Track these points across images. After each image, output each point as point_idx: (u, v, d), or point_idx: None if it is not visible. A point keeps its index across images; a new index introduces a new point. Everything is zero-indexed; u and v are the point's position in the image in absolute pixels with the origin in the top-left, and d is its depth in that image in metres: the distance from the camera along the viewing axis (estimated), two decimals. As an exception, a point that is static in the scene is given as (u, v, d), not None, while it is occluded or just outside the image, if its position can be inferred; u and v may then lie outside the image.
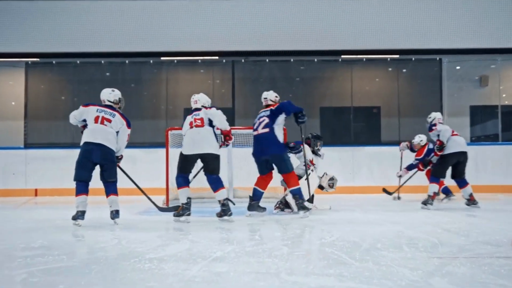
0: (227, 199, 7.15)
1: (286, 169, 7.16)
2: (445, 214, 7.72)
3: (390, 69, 13.15)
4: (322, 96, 13.11)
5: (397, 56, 12.79)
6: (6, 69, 12.72)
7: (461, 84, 12.97)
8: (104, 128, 6.49)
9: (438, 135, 8.46)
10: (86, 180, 6.39)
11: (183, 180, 6.92)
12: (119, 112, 6.74)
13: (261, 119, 7.30)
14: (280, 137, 7.23)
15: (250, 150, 7.64)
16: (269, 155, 7.18)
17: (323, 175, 8.40)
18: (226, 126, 6.80)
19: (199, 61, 13.01)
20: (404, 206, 8.99)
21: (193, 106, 7.18)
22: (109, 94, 6.83)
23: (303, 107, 7.62)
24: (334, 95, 13.07)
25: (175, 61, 12.93)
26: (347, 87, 13.03)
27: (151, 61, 12.93)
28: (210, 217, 7.39)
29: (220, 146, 6.95)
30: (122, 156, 6.83)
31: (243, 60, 12.91)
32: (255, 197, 7.46)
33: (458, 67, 13.03)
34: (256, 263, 3.96)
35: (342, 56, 12.78)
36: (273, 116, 7.22)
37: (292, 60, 12.88)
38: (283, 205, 7.95)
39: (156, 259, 4.18)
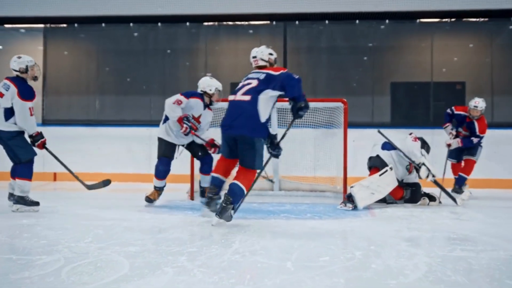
0: None
1: (249, 162, 5.05)
2: None
3: (480, 35, 10.64)
4: (394, 69, 10.85)
5: (489, 19, 10.46)
6: (21, 36, 11.06)
7: None
8: None
9: None
10: None
11: None
12: (14, 83, 5.77)
13: (247, 81, 5.22)
14: (263, 115, 5.03)
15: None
16: (238, 134, 5.07)
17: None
18: None
19: (245, 25, 10.92)
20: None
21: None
22: (13, 62, 5.92)
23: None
24: (408, 68, 10.80)
25: (216, 24, 10.89)
26: (425, 58, 10.67)
27: (188, 24, 10.94)
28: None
29: None
30: (38, 133, 5.93)
31: (297, 22, 10.72)
32: (215, 188, 5.29)
33: None
34: None
35: (420, 20, 10.38)
36: (265, 83, 5.06)
37: (357, 22, 10.58)
38: (347, 199, 6.41)
39: None
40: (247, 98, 5.02)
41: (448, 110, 7.99)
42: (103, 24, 10.87)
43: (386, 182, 6.52)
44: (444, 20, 10.51)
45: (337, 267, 3.36)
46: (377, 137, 7.04)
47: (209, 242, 4.09)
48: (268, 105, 5.01)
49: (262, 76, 5.11)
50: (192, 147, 6.68)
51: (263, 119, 4.98)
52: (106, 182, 6.70)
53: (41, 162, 9.82)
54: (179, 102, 6.34)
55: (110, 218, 5.26)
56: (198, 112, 6.47)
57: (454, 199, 6.71)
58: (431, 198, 6.76)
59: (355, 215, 5.71)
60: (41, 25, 10.91)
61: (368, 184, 6.46)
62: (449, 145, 7.71)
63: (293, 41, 10.91)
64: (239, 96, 5.11)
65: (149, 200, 6.44)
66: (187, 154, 6.98)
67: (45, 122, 10.62)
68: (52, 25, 10.92)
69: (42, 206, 5.88)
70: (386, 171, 6.58)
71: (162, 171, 6.46)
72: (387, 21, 10.56)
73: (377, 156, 6.81)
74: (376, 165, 6.79)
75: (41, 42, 10.94)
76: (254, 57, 5.51)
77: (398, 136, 6.93)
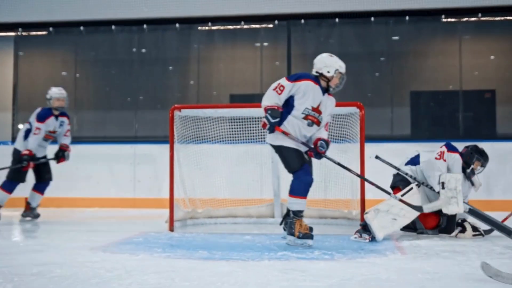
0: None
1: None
2: None
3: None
4: (414, 76, 9.48)
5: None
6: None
7: None
8: None
9: None
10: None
11: None
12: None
13: None
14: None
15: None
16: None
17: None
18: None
19: (243, 28, 9.63)
20: None
21: None
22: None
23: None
24: (431, 74, 9.44)
25: (210, 28, 9.61)
26: (451, 63, 9.29)
27: (178, 28, 9.65)
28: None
29: None
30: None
31: (302, 21, 9.38)
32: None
33: None
34: None
35: (445, 19, 8.99)
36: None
37: (373, 20, 9.22)
38: (363, 228, 5.13)
39: None
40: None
41: None
42: (82, 28, 9.60)
43: (413, 203, 5.10)
44: (473, 19, 9.13)
45: None
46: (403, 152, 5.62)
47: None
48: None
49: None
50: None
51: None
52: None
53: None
54: (280, 89, 4.66)
55: (42, 262, 3.84)
56: (315, 99, 4.75)
57: (509, 232, 5.06)
58: (474, 229, 5.27)
59: (378, 252, 4.25)
60: (12, 33, 9.66)
61: (388, 208, 5.09)
62: None
63: (299, 46, 9.59)
64: None
65: None
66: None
67: (14, 140, 9.31)
68: (24, 32, 9.66)
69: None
70: (411, 189, 5.15)
71: None
72: (407, 18, 9.18)
73: (397, 173, 5.40)
74: (396, 184, 5.39)
75: (11, 50, 9.67)
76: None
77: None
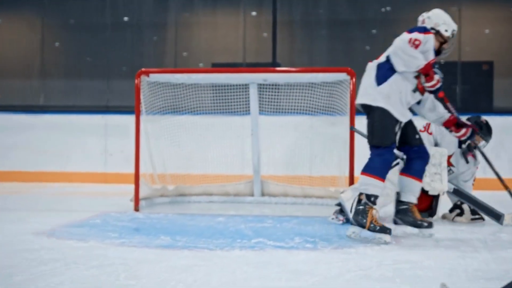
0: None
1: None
2: None
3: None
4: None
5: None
6: None
7: None
8: None
9: None
10: None
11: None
12: None
13: None
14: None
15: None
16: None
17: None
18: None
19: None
20: None
21: None
22: None
23: None
24: None
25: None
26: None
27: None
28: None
29: None
30: None
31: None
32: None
33: None
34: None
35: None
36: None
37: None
38: (340, 209, 4.50)
39: None
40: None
41: None
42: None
43: (396, 181, 4.52)
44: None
45: None
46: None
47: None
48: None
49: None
50: (406, 127, 4.01)
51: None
52: None
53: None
54: (416, 43, 3.68)
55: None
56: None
57: (497, 216, 4.49)
58: (473, 212, 4.65)
59: (369, 240, 3.65)
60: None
61: None
62: None
63: (285, 12, 8.86)
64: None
65: None
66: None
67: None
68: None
69: None
70: (397, 164, 4.55)
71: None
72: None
73: None
74: None
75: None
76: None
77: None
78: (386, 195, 4.40)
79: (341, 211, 4.41)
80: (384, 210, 4.29)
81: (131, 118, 6.18)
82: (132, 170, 5.33)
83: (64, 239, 3.57)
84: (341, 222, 4.38)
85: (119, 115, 8.11)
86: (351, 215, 3.77)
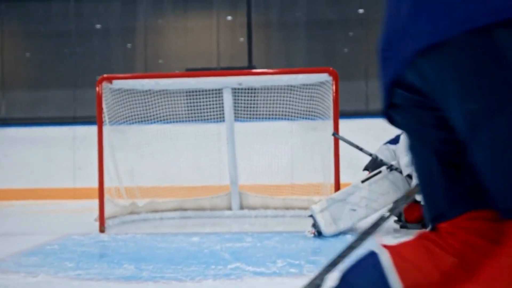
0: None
1: None
2: None
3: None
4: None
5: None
6: None
7: None
8: None
9: None
10: None
11: None
12: None
13: None
14: None
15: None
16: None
17: None
18: None
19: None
20: None
21: None
22: None
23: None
24: None
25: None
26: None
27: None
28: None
29: None
30: None
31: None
32: None
33: None
34: None
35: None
36: None
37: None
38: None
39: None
40: None
41: None
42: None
43: (380, 191, 4.17)
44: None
45: None
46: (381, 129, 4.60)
47: None
48: None
49: None
50: None
51: None
52: None
53: None
54: None
55: None
56: None
57: None
58: None
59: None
60: None
61: (345, 197, 4.16)
62: None
63: (260, 12, 8.47)
64: None
65: None
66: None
67: None
68: None
69: None
70: (380, 172, 4.17)
71: None
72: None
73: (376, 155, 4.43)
74: (367, 167, 4.44)
75: None
76: None
77: None
78: (365, 207, 4.07)
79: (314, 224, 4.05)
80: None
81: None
82: (109, 183, 4.91)
83: (10, 273, 3.08)
84: (312, 235, 4.05)
85: (87, 126, 7.58)
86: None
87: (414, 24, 0.99)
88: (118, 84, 4.88)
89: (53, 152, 7.67)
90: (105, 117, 4.80)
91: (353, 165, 5.51)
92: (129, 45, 8.70)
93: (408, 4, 1.00)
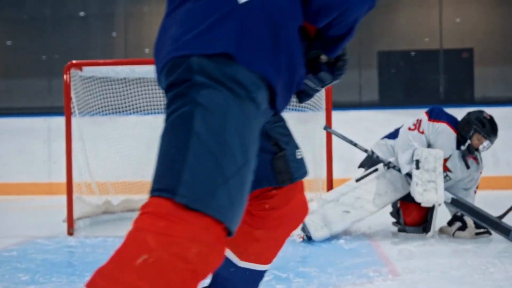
0: None
1: None
2: None
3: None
4: (381, 34, 8.16)
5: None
6: None
7: None
8: None
9: None
10: None
11: None
12: None
13: None
14: None
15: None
16: None
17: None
18: None
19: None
20: None
21: None
22: None
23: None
24: (406, 30, 8.22)
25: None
26: (426, 18, 8.09)
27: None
28: None
29: None
30: None
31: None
32: None
33: None
34: None
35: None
36: None
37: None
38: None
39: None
40: None
41: None
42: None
43: (376, 191, 3.86)
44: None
45: None
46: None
47: None
48: None
49: None
50: None
51: None
52: None
53: None
54: None
55: None
56: None
57: (505, 231, 3.68)
58: (477, 225, 3.83)
59: (357, 271, 2.82)
60: None
61: (337, 197, 3.85)
62: None
63: None
64: None
65: None
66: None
67: None
68: None
69: None
70: (376, 170, 3.83)
71: None
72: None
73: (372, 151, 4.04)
74: (363, 164, 4.12)
75: None
76: None
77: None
78: (360, 208, 3.71)
79: (302, 228, 3.72)
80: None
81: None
82: (79, 179, 4.54)
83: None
84: (301, 239, 3.72)
85: (64, 117, 7.21)
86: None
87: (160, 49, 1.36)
88: (89, 71, 4.43)
89: (27, 144, 7.27)
90: (75, 107, 4.37)
91: (346, 159, 5.18)
92: (114, 34, 8.28)
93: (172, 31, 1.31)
